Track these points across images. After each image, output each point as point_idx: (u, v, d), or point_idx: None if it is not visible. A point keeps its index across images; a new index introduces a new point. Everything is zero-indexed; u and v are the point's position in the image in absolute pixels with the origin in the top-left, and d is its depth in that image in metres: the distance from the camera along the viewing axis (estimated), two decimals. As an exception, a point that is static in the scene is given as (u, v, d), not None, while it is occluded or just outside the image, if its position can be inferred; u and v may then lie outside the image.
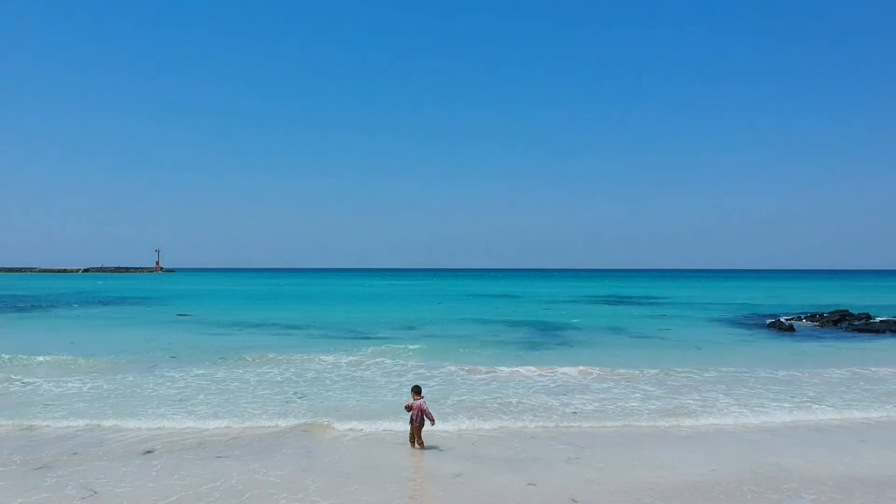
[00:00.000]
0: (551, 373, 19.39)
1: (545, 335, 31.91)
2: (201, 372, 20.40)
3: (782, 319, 38.00)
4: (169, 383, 18.39)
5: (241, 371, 20.48)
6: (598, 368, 19.90)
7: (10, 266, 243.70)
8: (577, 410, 14.56)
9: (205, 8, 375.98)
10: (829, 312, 41.41)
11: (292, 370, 20.49)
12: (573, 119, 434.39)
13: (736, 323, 39.60)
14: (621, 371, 19.62)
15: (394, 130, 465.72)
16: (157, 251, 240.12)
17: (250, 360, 22.52)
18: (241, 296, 75.88)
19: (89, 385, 17.97)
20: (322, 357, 22.80)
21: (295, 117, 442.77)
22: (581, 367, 19.93)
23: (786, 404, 15.33)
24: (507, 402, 15.44)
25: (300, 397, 16.45)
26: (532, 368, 20.13)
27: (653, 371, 19.70)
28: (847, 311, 41.61)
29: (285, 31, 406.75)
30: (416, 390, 11.79)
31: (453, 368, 20.61)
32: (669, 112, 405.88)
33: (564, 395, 16.43)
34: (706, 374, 19.46)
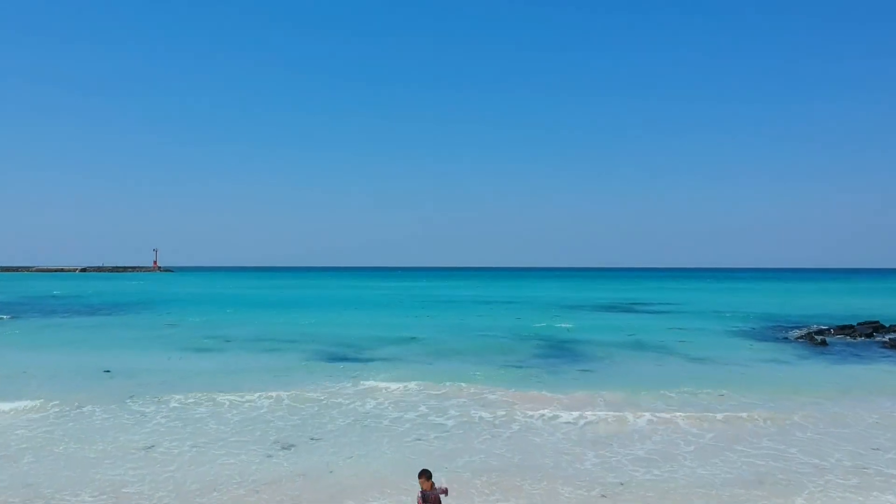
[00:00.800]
0: (581, 414, 16.58)
1: (561, 355, 29.21)
2: (177, 406, 18.14)
3: (813, 333, 35.39)
4: (138, 424, 16.16)
5: (224, 405, 18.08)
6: (635, 410, 17.11)
7: (8, 265, 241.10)
8: (624, 481, 11.73)
9: (204, 11, 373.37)
10: (860, 324, 38.81)
11: (280, 407, 17.87)
12: (562, 109, 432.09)
13: (761, 337, 36.92)
14: (662, 411, 16.92)
15: (389, 125, 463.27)
16: (155, 250, 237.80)
17: (235, 390, 19.88)
18: (237, 301, 73.10)
19: (46, 428, 15.57)
20: (313, 390, 20.01)
21: (294, 117, 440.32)
22: (614, 412, 16.89)
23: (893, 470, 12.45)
24: (535, 464, 12.71)
25: (284, 448, 13.93)
26: (557, 406, 17.47)
27: (698, 410, 17.08)
28: (878, 322, 39.05)
29: (283, 31, 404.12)
30: (426, 475, 8.92)
31: (466, 405, 17.96)
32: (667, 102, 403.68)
33: (603, 448, 13.73)
34: (760, 413, 16.78)
